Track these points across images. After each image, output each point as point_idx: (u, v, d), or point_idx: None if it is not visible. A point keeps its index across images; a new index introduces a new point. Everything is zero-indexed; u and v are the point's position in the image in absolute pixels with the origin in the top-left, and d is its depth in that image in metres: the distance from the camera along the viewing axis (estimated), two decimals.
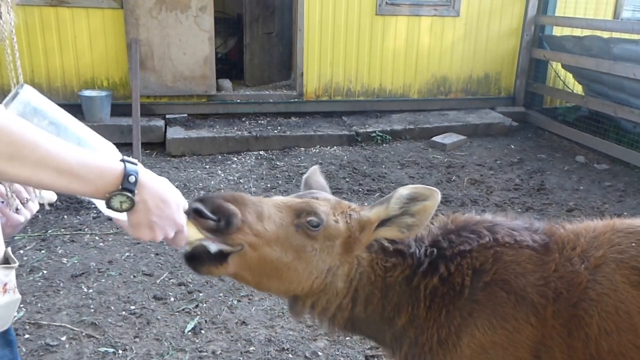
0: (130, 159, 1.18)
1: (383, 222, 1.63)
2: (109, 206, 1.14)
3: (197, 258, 1.44)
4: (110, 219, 1.20)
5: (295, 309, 1.69)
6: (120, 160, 1.15)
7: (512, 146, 6.99)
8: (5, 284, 1.30)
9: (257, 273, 1.52)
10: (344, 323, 1.71)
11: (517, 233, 1.67)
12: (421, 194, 1.56)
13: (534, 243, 1.64)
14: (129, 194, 1.14)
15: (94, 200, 1.21)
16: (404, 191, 1.58)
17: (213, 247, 1.43)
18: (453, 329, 1.60)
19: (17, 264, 1.39)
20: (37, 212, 1.59)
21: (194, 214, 1.36)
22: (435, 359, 1.63)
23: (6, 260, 1.37)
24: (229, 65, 8.94)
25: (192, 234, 1.37)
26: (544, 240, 1.65)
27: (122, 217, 1.21)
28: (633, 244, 1.58)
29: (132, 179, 1.13)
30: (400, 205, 1.59)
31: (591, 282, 1.55)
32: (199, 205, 1.38)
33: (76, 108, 6.45)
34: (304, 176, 1.92)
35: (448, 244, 1.68)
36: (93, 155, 1.14)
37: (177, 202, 1.24)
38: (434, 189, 1.56)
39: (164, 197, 1.21)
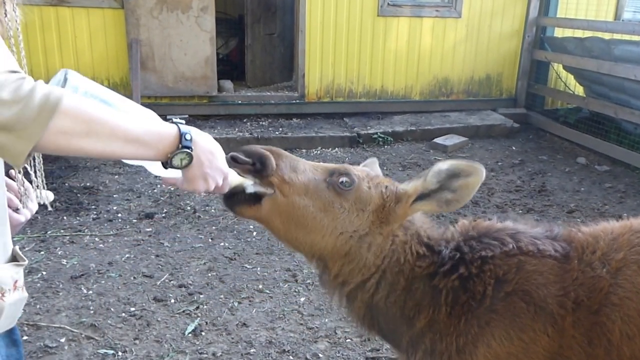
0: (179, 120, 1.30)
1: (422, 197, 1.64)
2: (170, 165, 1.25)
3: (233, 197, 1.57)
4: (157, 179, 1.30)
5: (323, 277, 1.72)
6: (173, 123, 1.27)
7: (514, 148, 6.98)
8: (15, 281, 1.32)
9: (286, 220, 1.60)
10: (364, 309, 1.69)
11: (540, 242, 1.64)
12: (463, 170, 1.56)
13: (556, 252, 1.61)
14: (188, 151, 1.25)
15: (145, 164, 1.35)
16: (443, 166, 1.59)
17: (250, 188, 1.57)
18: (470, 338, 1.58)
19: (26, 262, 1.39)
20: (37, 212, 1.57)
21: (232, 160, 1.51)
22: None
23: (14, 258, 1.37)
24: (230, 66, 8.94)
25: (234, 180, 1.52)
26: (565, 248, 1.62)
27: (176, 174, 1.33)
28: None
29: (188, 137, 1.25)
30: (438, 179, 1.59)
31: (613, 286, 1.51)
32: (236, 153, 1.53)
33: None
34: (362, 164, 1.96)
35: (470, 250, 1.66)
36: (151, 122, 1.25)
37: (221, 152, 1.38)
38: (478, 164, 1.55)
39: (213, 150, 1.33)
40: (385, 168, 6.11)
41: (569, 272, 1.56)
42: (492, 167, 6.27)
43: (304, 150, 6.61)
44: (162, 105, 6.94)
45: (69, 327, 3.26)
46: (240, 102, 7.36)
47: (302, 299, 3.63)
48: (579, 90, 7.80)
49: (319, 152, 6.62)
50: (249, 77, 8.27)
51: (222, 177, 1.39)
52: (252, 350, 3.13)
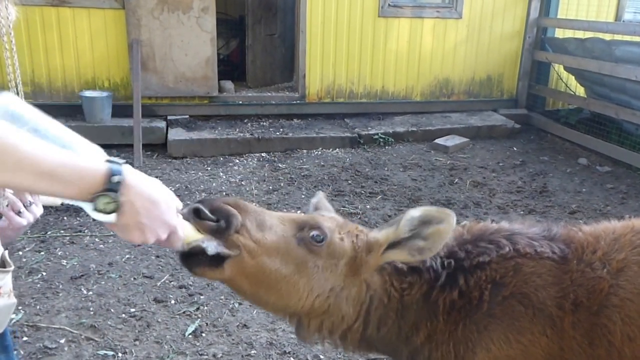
0: (116, 159, 1.15)
1: (393, 245, 1.57)
2: (94, 208, 1.11)
3: (192, 258, 1.40)
4: (102, 223, 1.18)
5: (301, 332, 1.63)
6: (105, 161, 1.12)
7: (515, 148, 6.97)
8: None
9: (254, 282, 1.47)
10: (357, 343, 1.66)
11: (537, 243, 1.61)
12: (435, 217, 1.50)
13: (554, 253, 1.59)
14: (113, 195, 1.10)
15: (82, 204, 1.19)
16: (415, 213, 1.52)
17: (211, 248, 1.38)
18: (470, 345, 1.56)
19: (12, 268, 1.36)
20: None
21: (193, 214, 1.35)
22: None
23: (2, 264, 1.34)
24: (231, 66, 8.92)
25: (191, 235, 1.35)
26: (564, 249, 1.60)
27: (112, 219, 1.17)
28: None
29: (115, 179, 1.10)
30: (410, 228, 1.53)
31: (614, 287, 1.50)
32: (199, 205, 1.36)
33: (77, 108, 6.44)
34: (312, 200, 1.87)
35: (465, 255, 1.62)
36: (75, 156, 1.10)
37: (167, 203, 1.21)
38: (449, 211, 1.49)
39: (153, 198, 1.17)
40: (386, 169, 6.10)
41: (568, 273, 1.55)
42: (494, 167, 6.26)
43: (304, 151, 6.60)
44: (163, 105, 6.93)
45: (68, 328, 3.25)
46: (240, 102, 7.35)
47: None
48: (580, 91, 7.79)
49: (319, 152, 6.61)
50: (250, 77, 8.26)
51: (166, 232, 1.21)
52: (252, 352, 3.12)
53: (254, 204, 1.58)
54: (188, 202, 1.37)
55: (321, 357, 3.09)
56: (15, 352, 1.56)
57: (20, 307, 3.41)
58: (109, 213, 1.12)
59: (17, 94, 1.46)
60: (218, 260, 1.41)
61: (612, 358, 1.48)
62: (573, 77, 7.72)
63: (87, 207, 1.14)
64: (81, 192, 1.09)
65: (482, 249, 1.62)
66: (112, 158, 1.15)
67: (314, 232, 1.52)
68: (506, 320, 1.53)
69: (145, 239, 1.18)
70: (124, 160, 1.17)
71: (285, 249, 1.48)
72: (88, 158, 1.13)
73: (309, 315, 1.57)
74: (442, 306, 1.59)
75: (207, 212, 1.36)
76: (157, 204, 1.18)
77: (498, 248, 1.61)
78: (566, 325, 1.50)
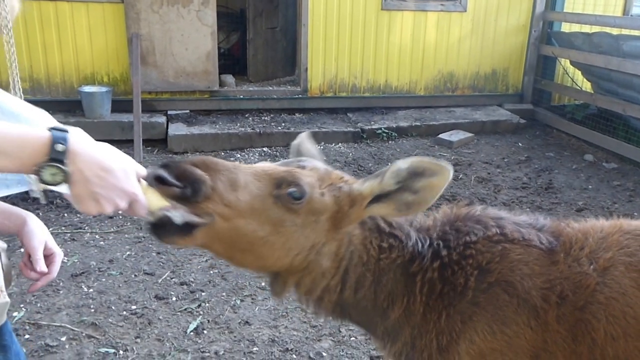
0: (61, 125, 1.07)
1: (378, 198, 1.45)
2: (41, 181, 1.03)
3: (161, 229, 1.30)
4: (61, 197, 1.12)
5: (275, 288, 1.54)
6: (49, 129, 1.03)
7: (520, 144, 6.90)
8: None
9: (229, 246, 1.38)
10: (332, 307, 1.58)
11: (525, 230, 1.57)
12: (427, 169, 1.38)
13: (542, 243, 1.55)
14: (59, 165, 1.02)
15: (34, 187, 1.12)
16: (403, 164, 1.41)
17: (178, 217, 1.28)
18: (454, 336, 1.50)
19: (1, 265, 1.33)
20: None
21: (155, 181, 1.23)
22: None
23: None
24: (232, 60, 8.85)
25: (155, 201, 1.25)
26: (552, 241, 1.56)
27: (65, 190, 1.10)
28: None
29: (59, 147, 1.02)
30: (397, 180, 1.41)
31: (600, 285, 1.47)
32: (161, 172, 1.23)
33: (76, 104, 6.38)
34: (293, 143, 1.72)
35: (453, 234, 1.56)
36: (14, 126, 1.03)
37: (124, 169, 1.13)
38: (444, 164, 1.36)
39: (105, 165, 1.09)
40: (389, 164, 6.02)
41: (556, 265, 1.51)
42: (499, 163, 6.20)
43: None
44: (163, 100, 6.87)
45: (69, 326, 3.20)
46: (242, 97, 7.28)
47: None
48: (587, 86, 7.71)
49: (322, 147, 6.55)
50: (251, 71, 8.19)
51: (125, 200, 1.14)
52: (254, 349, 3.08)
53: None
54: (148, 166, 1.27)
55: (324, 354, 3.04)
56: (23, 350, 1.53)
57: (21, 305, 3.36)
58: (57, 184, 1.04)
59: (15, 88, 1.43)
60: (189, 227, 1.30)
61: (594, 356, 1.46)
62: (579, 72, 7.63)
63: (35, 182, 1.07)
64: (24, 164, 1.01)
65: (469, 228, 1.56)
66: (58, 125, 1.07)
67: (292, 189, 1.39)
68: (490, 310, 1.49)
69: (102, 208, 1.11)
70: (74, 127, 1.09)
71: (261, 209, 1.37)
72: (29, 127, 1.05)
73: (288, 272, 1.49)
74: (421, 282, 1.53)
75: (170, 179, 1.24)
76: (111, 171, 1.10)
77: (485, 229, 1.56)
78: (551, 318, 1.47)
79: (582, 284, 1.48)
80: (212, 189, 1.30)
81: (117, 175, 1.11)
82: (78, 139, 1.07)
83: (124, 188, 1.13)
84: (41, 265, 1.46)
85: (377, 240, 1.53)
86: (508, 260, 1.52)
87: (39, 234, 1.48)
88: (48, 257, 1.50)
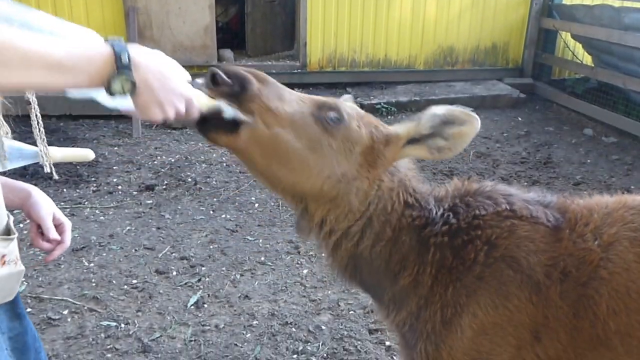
0: (117, 38, 1.11)
1: (413, 141, 1.55)
2: (111, 92, 1.08)
3: (209, 122, 1.39)
4: (120, 116, 1.14)
5: (302, 223, 1.60)
6: (106, 42, 1.08)
7: (519, 118, 6.88)
8: (3, 256, 1.28)
9: (267, 154, 1.45)
10: (347, 259, 1.61)
11: (533, 207, 1.59)
12: (458, 118, 1.49)
13: (548, 219, 1.57)
14: (127, 73, 1.08)
15: (100, 98, 1.16)
16: (439, 111, 1.51)
17: (228, 111, 1.38)
18: (458, 309, 1.53)
19: (16, 235, 1.35)
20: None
21: (209, 79, 1.35)
22: (437, 339, 1.55)
23: (7, 232, 1.32)
24: (230, 34, 8.75)
25: (206, 103, 1.34)
26: (558, 217, 1.58)
27: (129, 102, 1.15)
28: None
29: (124, 57, 1.07)
30: (432, 124, 1.52)
31: (603, 260, 1.49)
32: (215, 69, 1.36)
33: None
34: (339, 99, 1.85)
35: (464, 207, 1.60)
36: (78, 43, 1.07)
37: (179, 74, 1.20)
38: (474, 114, 1.48)
39: (164, 71, 1.16)
40: None
41: (561, 242, 1.53)
42: (498, 138, 6.19)
43: None
44: None
45: (71, 300, 3.25)
46: None
47: (305, 271, 3.61)
48: (588, 59, 7.64)
49: None
50: (250, 46, 8.11)
51: (182, 102, 1.20)
52: (254, 322, 3.13)
53: None
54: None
55: (323, 327, 3.10)
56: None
57: (23, 279, 3.39)
58: (126, 94, 1.10)
59: None
60: (234, 126, 1.40)
61: (596, 330, 1.48)
62: (580, 46, 7.55)
63: (103, 96, 1.11)
64: (93, 78, 1.06)
65: (480, 203, 1.60)
66: (112, 37, 1.11)
67: (332, 113, 1.50)
68: (494, 285, 1.51)
69: (166, 113, 1.17)
70: (121, 37, 1.14)
71: (301, 123, 1.46)
72: (90, 43, 1.10)
73: (317, 200, 1.54)
74: (433, 251, 1.56)
75: (223, 75, 1.36)
76: (170, 77, 1.16)
77: (495, 205, 1.59)
78: (553, 294, 1.49)
79: (586, 260, 1.49)
80: (259, 91, 1.41)
81: (175, 80, 1.18)
82: (137, 50, 1.12)
83: (182, 92, 1.19)
84: (53, 233, 1.48)
85: (404, 194, 1.59)
86: (515, 236, 1.54)
87: (45, 204, 1.50)
88: (58, 227, 1.52)
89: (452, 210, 1.60)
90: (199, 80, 1.36)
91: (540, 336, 1.51)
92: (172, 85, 1.16)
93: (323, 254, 1.65)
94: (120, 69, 1.07)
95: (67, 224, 1.56)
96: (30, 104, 1.37)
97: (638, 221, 1.53)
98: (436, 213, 1.60)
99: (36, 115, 1.39)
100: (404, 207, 1.58)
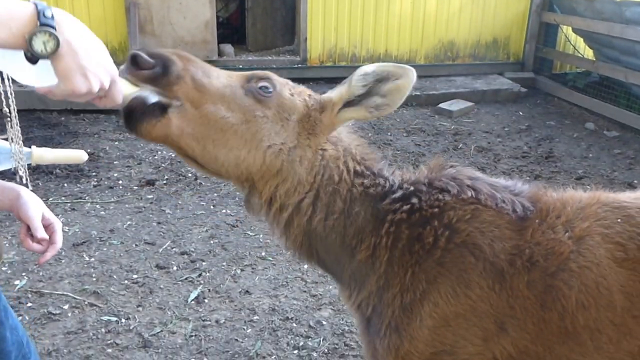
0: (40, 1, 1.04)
1: (349, 105, 1.54)
2: (32, 51, 1.00)
3: (134, 112, 1.32)
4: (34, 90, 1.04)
5: (252, 201, 1.56)
6: (30, 1, 1.02)
7: (521, 113, 6.86)
8: None
9: (201, 135, 1.40)
10: (301, 237, 1.57)
11: (499, 194, 1.56)
12: (392, 72, 1.47)
13: (515, 207, 1.54)
14: (51, 30, 1.00)
15: (16, 73, 1.08)
16: (368, 69, 1.49)
17: (151, 97, 1.32)
18: (418, 295, 1.49)
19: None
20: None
21: (130, 62, 1.29)
22: (399, 326, 1.51)
23: None
24: (231, 29, 8.72)
25: (129, 90, 1.27)
26: (528, 206, 1.55)
27: (49, 77, 1.06)
28: (619, 220, 1.50)
29: (48, 12, 1.01)
30: (364, 84, 1.50)
31: (574, 253, 1.46)
32: (136, 51, 1.30)
33: None
34: None
35: (426, 185, 1.58)
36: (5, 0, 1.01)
37: (104, 49, 1.12)
38: (408, 67, 1.47)
39: (90, 39, 1.08)
40: (389, 134, 6.02)
41: (527, 230, 1.50)
42: (499, 132, 6.17)
43: None
44: None
45: (72, 294, 3.25)
46: (241, 66, 7.20)
47: (306, 266, 3.60)
48: (589, 53, 7.61)
49: None
50: (250, 41, 8.08)
51: (108, 78, 1.11)
52: (255, 318, 3.13)
53: None
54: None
55: (323, 323, 3.10)
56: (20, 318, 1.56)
57: (23, 274, 3.41)
58: (47, 54, 1.01)
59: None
60: (161, 109, 1.35)
61: (565, 323, 1.45)
62: (581, 40, 7.53)
63: (20, 66, 1.04)
64: (14, 34, 0.99)
65: (444, 184, 1.58)
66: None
67: (262, 83, 1.48)
68: (455, 272, 1.47)
69: (90, 85, 1.08)
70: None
71: (232, 97, 1.44)
72: (9, 1, 1.03)
73: (263, 175, 1.50)
74: (389, 224, 1.54)
75: (145, 56, 1.30)
76: (96, 47, 1.09)
77: (460, 188, 1.56)
78: (519, 283, 1.46)
79: (555, 250, 1.46)
80: (184, 71, 1.36)
81: (101, 51, 1.10)
82: (62, 12, 1.05)
83: (107, 66, 1.12)
84: (41, 232, 1.45)
85: (350, 162, 1.57)
86: (478, 221, 1.51)
87: (34, 204, 1.48)
88: (47, 227, 1.50)
89: (415, 189, 1.58)
90: (120, 67, 1.29)
91: (506, 327, 1.47)
92: (97, 56, 1.09)
93: (275, 234, 1.61)
94: (42, 25, 1.00)
95: (57, 224, 1.53)
96: (8, 97, 1.31)
97: (611, 218, 1.51)
98: (394, 182, 1.59)
99: (10, 113, 1.33)
100: (353, 176, 1.56)
